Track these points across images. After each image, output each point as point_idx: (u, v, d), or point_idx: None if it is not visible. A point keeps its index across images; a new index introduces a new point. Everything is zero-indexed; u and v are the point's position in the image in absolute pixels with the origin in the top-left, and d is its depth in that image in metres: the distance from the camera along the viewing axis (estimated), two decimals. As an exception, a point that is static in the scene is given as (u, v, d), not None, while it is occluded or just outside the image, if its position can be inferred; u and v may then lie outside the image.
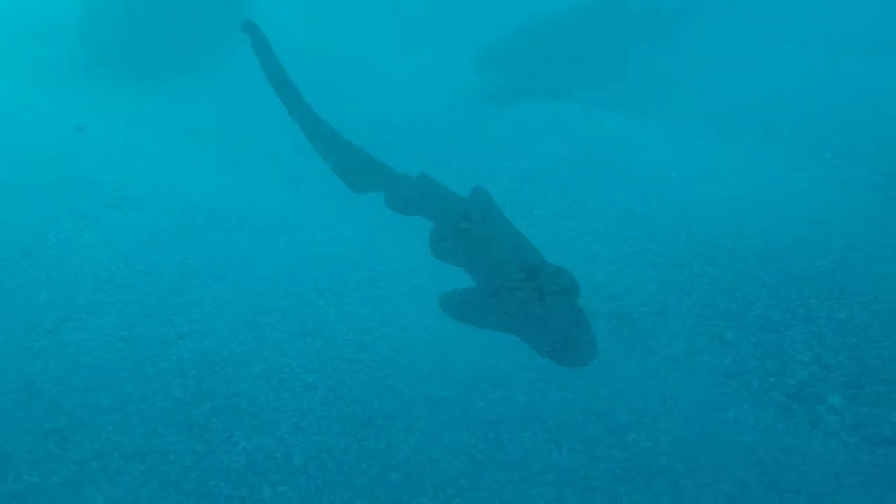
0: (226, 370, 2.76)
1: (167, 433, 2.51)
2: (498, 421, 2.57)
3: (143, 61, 5.30)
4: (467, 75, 5.24)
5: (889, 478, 2.36)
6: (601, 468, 2.42)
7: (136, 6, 5.24)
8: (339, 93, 4.96)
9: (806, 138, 4.32)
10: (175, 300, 3.11)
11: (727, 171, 4.02)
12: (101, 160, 4.10)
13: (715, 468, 2.41)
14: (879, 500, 2.29)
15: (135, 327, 2.95)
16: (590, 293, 3.20)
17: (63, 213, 3.57)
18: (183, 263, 3.33)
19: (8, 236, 3.42)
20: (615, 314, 3.11)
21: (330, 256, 3.37)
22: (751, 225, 3.53)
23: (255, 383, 2.71)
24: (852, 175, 3.97)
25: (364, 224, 3.64)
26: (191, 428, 2.54)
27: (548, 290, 2.86)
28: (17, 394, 2.61)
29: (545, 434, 2.53)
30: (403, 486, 2.36)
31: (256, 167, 4.30)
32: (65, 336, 2.88)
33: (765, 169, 4.05)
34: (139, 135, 4.52)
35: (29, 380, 2.67)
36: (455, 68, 5.47)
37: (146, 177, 3.99)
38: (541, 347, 2.76)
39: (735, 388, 2.71)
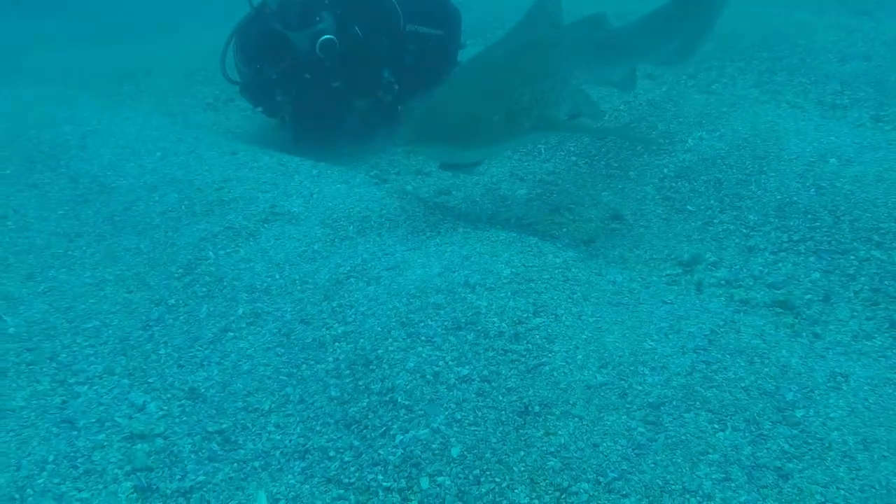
0: (381, 367, 3.22)
1: (325, 431, 3.01)
2: (657, 404, 2.82)
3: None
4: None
5: None
6: (769, 446, 2.60)
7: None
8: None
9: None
10: (330, 305, 3.69)
11: (887, 151, 4.40)
12: (255, 180, 4.98)
13: (893, 441, 2.56)
14: None
15: (292, 333, 3.56)
16: (749, 283, 3.80)
17: (220, 231, 4.40)
18: (336, 270, 3.93)
19: (172, 256, 4.33)
20: (777, 302, 3.56)
21: (482, 255, 3.85)
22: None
23: (410, 378, 3.13)
24: None
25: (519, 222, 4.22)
26: (348, 425, 3.01)
27: None
28: (182, 400, 3.29)
29: (708, 414, 2.74)
30: (563, 471, 2.61)
31: (404, 178, 5.19)
32: (226, 345, 3.58)
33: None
34: (288, 155, 5.44)
35: (193, 387, 3.35)
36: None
37: (298, 191, 4.76)
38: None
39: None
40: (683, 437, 2.68)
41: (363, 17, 5.73)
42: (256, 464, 2.94)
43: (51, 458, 3.07)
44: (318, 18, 5.59)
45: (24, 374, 3.62)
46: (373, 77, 5.88)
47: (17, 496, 2.89)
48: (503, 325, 3.35)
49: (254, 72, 6.01)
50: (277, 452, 2.97)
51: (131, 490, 2.89)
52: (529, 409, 2.89)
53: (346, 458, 2.87)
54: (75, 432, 3.21)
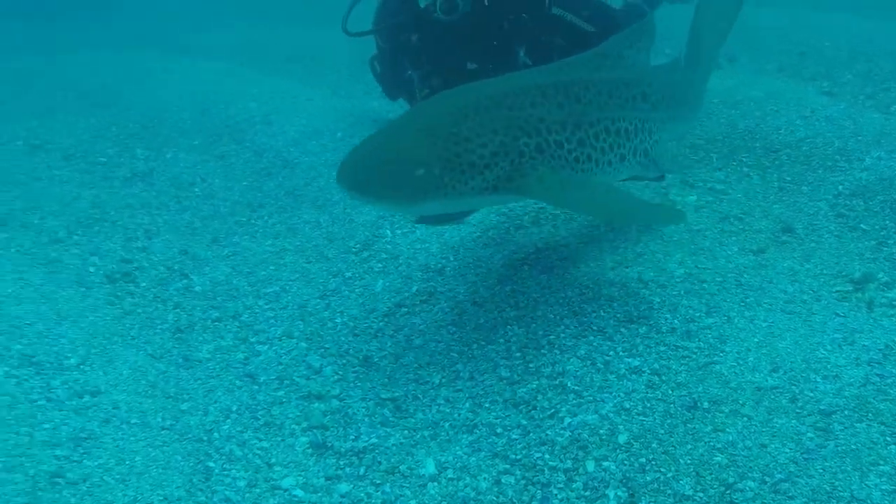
0: (552, 352, 3.57)
1: (494, 408, 3.38)
2: (829, 411, 3.02)
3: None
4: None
5: None
6: (943, 464, 2.72)
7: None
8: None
9: None
10: (503, 289, 4.07)
11: None
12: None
13: None
14: None
15: (464, 314, 3.97)
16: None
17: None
18: (511, 256, 4.32)
19: (351, 231, 4.88)
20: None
21: (654, 253, 4.20)
22: None
23: (580, 364, 3.45)
24: None
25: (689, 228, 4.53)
26: (517, 404, 3.37)
27: None
28: (356, 367, 3.77)
29: (880, 427, 2.92)
30: (729, 467, 2.85)
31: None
32: (399, 320, 4.03)
33: None
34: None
35: (367, 355, 3.82)
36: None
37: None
38: None
39: None
40: (854, 447, 2.85)
41: None
42: (426, 433, 3.35)
43: (234, 407, 3.62)
44: None
45: (209, 330, 4.23)
46: (506, 54, 5.62)
47: (204, 438, 3.45)
48: (675, 321, 3.67)
49: (383, 35, 6.00)
50: (446, 424, 3.37)
51: (307, 445, 3.37)
52: (698, 404, 3.15)
53: (514, 436, 3.22)
54: (256, 387, 3.75)
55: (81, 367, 3.79)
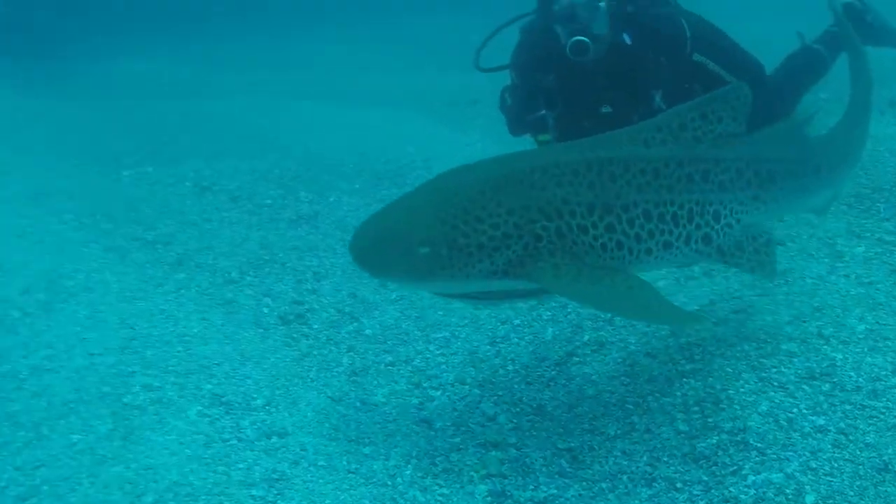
0: (731, 407, 3.71)
1: (672, 462, 3.55)
2: None
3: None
4: None
5: None
6: None
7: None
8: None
9: None
10: (677, 342, 4.23)
11: None
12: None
13: None
14: None
15: (636, 365, 4.16)
16: None
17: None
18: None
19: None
20: None
21: (833, 307, 4.30)
22: None
23: (762, 421, 3.57)
24: None
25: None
26: (697, 459, 3.52)
27: None
28: (530, 415, 4.01)
29: None
30: (924, 533, 2.92)
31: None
32: (570, 369, 4.26)
33: None
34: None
35: (540, 404, 4.06)
36: None
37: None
38: None
39: None
40: None
41: (641, 25, 5.53)
42: (604, 485, 3.55)
43: (413, 452, 3.91)
44: (588, 13, 5.36)
45: (383, 374, 4.57)
46: (642, 99, 5.61)
47: (388, 482, 3.74)
48: (860, 379, 3.74)
49: (517, 71, 6.07)
50: (624, 477, 3.55)
51: (487, 493, 3.60)
52: (889, 466, 3.22)
53: (695, 492, 3.38)
54: (433, 433, 4.03)
55: (267, 407, 4.17)
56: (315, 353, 4.81)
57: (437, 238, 3.26)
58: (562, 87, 5.93)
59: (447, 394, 4.31)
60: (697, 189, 3.58)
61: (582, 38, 5.40)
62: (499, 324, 4.82)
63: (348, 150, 8.15)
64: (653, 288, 3.37)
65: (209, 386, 4.26)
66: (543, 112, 6.00)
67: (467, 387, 4.33)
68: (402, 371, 4.56)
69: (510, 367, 4.41)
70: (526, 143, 6.25)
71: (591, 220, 3.36)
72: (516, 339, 4.63)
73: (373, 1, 21.16)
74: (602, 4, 5.43)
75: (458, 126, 9.42)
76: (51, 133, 10.50)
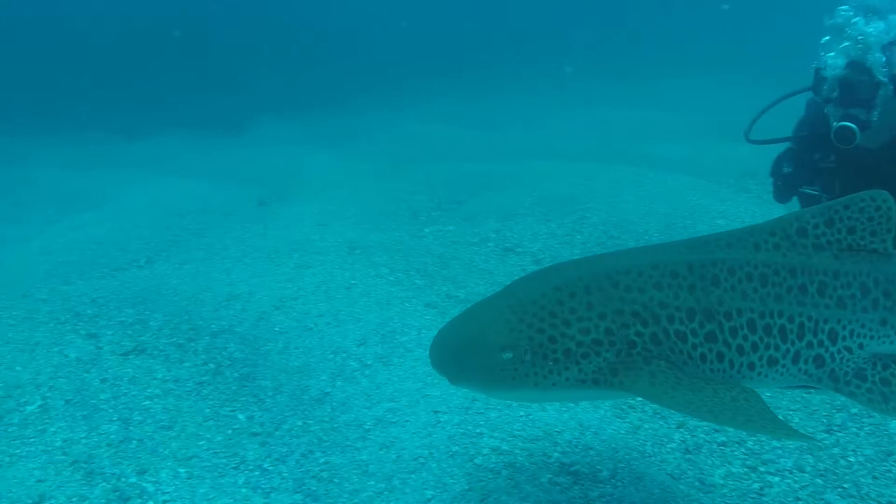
0: None
1: None
2: None
3: None
4: None
5: None
6: None
7: None
8: None
9: None
10: None
11: None
12: None
13: None
14: None
15: None
16: None
17: None
18: None
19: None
20: None
21: None
22: None
23: None
24: None
25: None
26: None
27: None
28: (887, 514, 3.97)
29: None
30: None
31: None
32: (925, 468, 4.17)
33: None
34: None
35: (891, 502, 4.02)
36: None
37: None
38: None
39: None
40: None
41: None
42: None
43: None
44: (866, 97, 5.08)
45: (716, 454, 4.66)
46: None
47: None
48: None
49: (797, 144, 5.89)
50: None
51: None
52: None
53: None
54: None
55: (612, 480, 4.40)
56: (646, 426, 4.98)
57: (520, 342, 3.09)
58: (840, 171, 5.67)
59: (787, 481, 4.35)
60: (811, 303, 3.29)
61: (847, 123, 5.11)
62: (834, 411, 4.79)
63: (654, 219, 8.30)
64: (759, 398, 3.06)
65: (556, 454, 4.53)
66: (818, 193, 5.79)
67: (807, 475, 4.35)
68: (735, 452, 4.64)
69: (852, 459, 4.38)
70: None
71: (691, 326, 3.17)
72: (855, 429, 4.59)
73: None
74: (884, 80, 5.09)
75: (759, 199, 9.33)
76: (352, 186, 11.43)
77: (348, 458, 4.66)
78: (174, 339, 6.40)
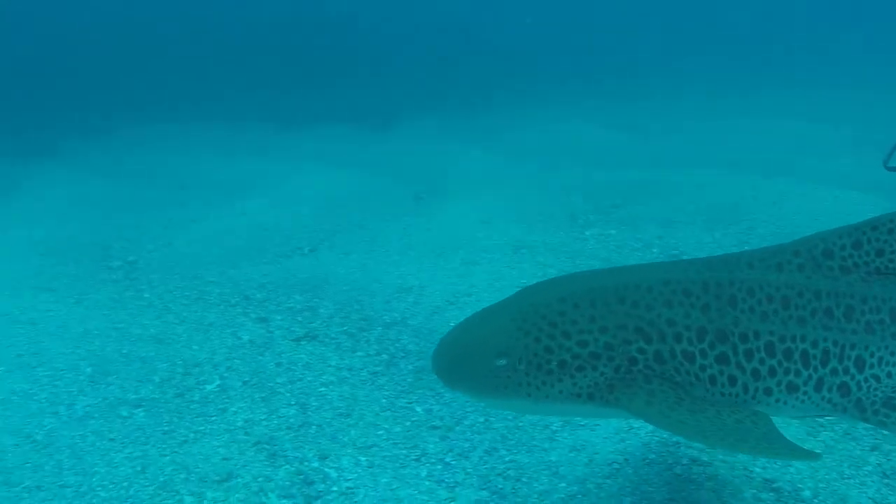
0: None
1: None
2: None
3: None
4: None
5: None
6: None
7: None
8: None
9: None
10: None
11: None
12: None
13: None
14: None
15: None
16: None
17: None
18: None
19: None
20: None
21: None
22: None
23: None
24: None
25: None
26: None
27: None
28: None
29: None
30: None
31: None
32: None
33: None
34: None
35: None
36: None
37: None
38: None
39: None
40: None
41: None
42: None
43: None
44: None
45: (935, 482, 4.31)
46: None
47: None
48: None
49: None
50: None
51: None
52: None
53: None
54: None
55: (815, 500, 4.10)
56: (839, 447, 4.66)
57: (514, 350, 2.98)
58: None
59: None
60: (837, 327, 3.06)
61: None
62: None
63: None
64: (768, 420, 2.85)
65: (758, 470, 4.28)
66: None
67: None
68: (946, 481, 4.28)
69: None
70: None
71: (700, 346, 2.97)
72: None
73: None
74: None
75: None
76: (508, 185, 11.33)
77: (536, 458, 4.51)
78: (345, 328, 6.41)
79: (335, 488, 4.41)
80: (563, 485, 4.27)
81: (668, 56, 25.31)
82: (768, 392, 3.04)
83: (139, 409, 5.24)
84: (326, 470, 4.58)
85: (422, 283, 7.05)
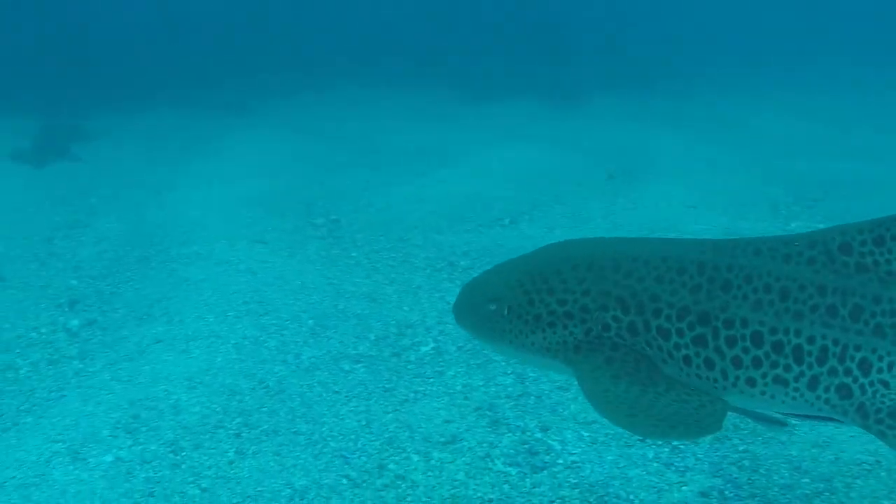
0: None
1: None
2: None
3: None
4: None
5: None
6: None
7: None
8: None
9: None
10: None
11: None
12: None
13: None
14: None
15: None
16: None
17: None
18: None
19: None
20: None
21: None
22: None
23: None
24: None
25: None
26: None
27: None
28: None
29: None
30: None
31: None
32: None
33: None
34: None
35: None
36: None
37: None
38: None
39: None
40: None
41: None
42: None
43: None
44: None
45: None
46: None
47: None
48: None
49: None
50: None
51: None
52: None
53: None
54: None
55: None
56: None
57: (504, 299, 3.13)
58: None
59: None
60: (839, 326, 2.87)
61: None
62: None
63: None
64: (722, 409, 2.81)
65: None
66: None
67: None
68: None
69: None
70: None
71: (678, 325, 2.90)
72: None
73: None
74: None
75: None
76: (706, 171, 11.00)
77: (773, 450, 4.35)
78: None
79: (560, 461, 4.39)
80: (807, 480, 4.09)
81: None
82: (751, 382, 2.93)
83: (359, 365, 5.38)
84: (550, 442, 4.56)
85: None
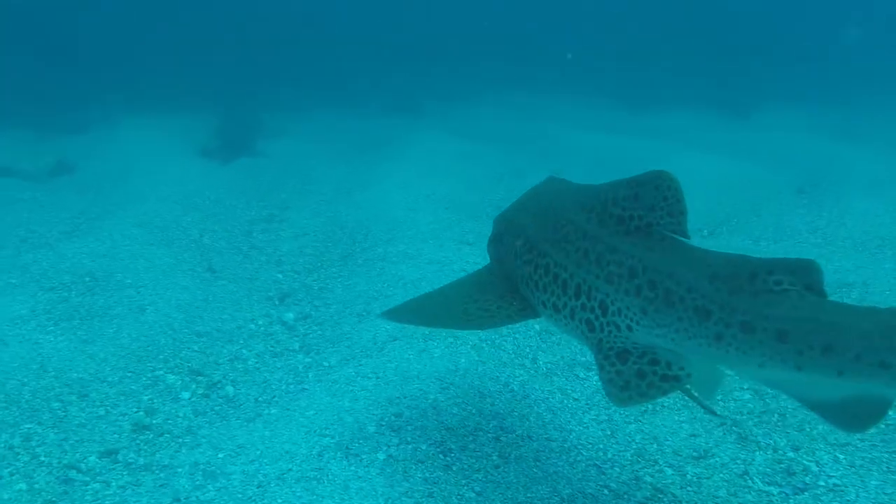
0: None
1: None
2: None
3: None
4: None
5: None
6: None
7: None
8: None
9: None
10: None
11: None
12: None
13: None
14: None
15: None
16: None
17: None
18: None
19: None
20: None
21: None
22: None
23: None
24: None
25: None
26: None
27: None
28: None
29: None
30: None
31: None
32: None
33: None
34: None
35: None
36: None
37: None
38: None
39: None
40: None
41: None
42: None
43: None
44: None
45: None
46: None
47: None
48: None
49: None
50: None
51: None
52: None
53: None
54: None
55: None
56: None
57: (498, 221, 4.26)
58: None
59: None
60: (586, 268, 3.43)
61: None
62: None
63: None
64: (514, 312, 3.82)
65: None
66: None
67: None
68: None
69: None
70: None
71: (524, 253, 3.82)
72: None
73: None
74: None
75: None
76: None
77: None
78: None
79: (821, 482, 4.34)
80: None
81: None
82: (544, 305, 3.65)
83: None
84: (804, 462, 4.50)
85: (864, 279, 6.75)
